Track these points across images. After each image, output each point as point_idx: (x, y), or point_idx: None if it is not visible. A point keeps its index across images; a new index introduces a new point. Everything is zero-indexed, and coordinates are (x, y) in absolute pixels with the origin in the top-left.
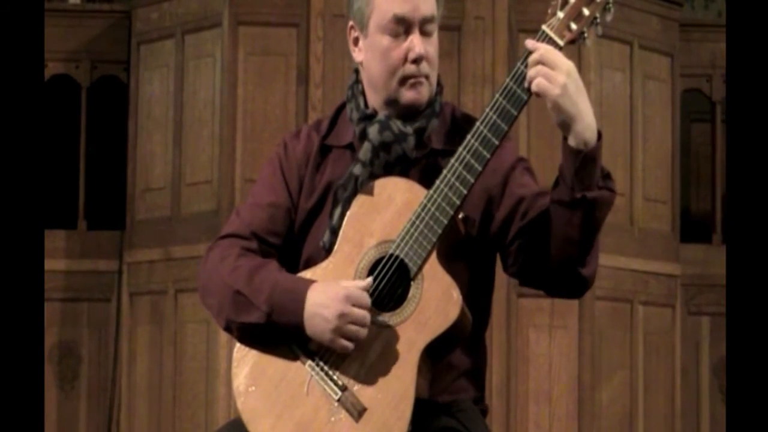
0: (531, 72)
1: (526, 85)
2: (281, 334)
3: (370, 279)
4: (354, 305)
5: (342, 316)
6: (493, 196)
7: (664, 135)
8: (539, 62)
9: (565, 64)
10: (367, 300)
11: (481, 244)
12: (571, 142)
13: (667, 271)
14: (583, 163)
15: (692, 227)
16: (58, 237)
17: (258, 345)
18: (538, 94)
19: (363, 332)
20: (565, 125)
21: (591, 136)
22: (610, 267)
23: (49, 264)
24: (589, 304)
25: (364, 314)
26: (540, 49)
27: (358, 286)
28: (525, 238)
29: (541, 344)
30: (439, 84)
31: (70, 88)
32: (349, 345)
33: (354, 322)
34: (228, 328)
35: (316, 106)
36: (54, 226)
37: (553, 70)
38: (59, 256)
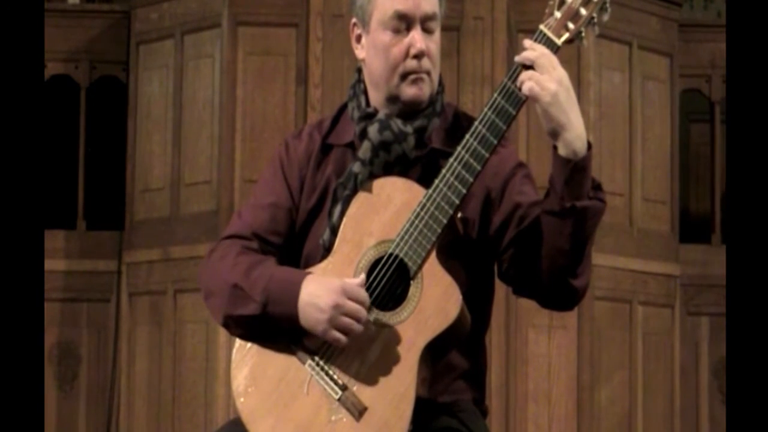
0: (523, 75)
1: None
2: (278, 330)
3: (363, 275)
4: (349, 298)
5: (336, 306)
6: (492, 200)
7: (664, 135)
8: (533, 67)
9: (558, 71)
10: (363, 295)
11: (480, 246)
12: (561, 151)
13: (667, 271)
14: (573, 172)
15: (691, 227)
16: (57, 237)
17: (256, 341)
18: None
19: (356, 326)
20: (555, 133)
21: (581, 146)
22: (609, 267)
23: (49, 264)
24: (588, 304)
25: (359, 308)
26: (536, 51)
27: (354, 282)
28: (518, 247)
29: (540, 344)
30: (440, 84)
31: (70, 89)
32: (342, 338)
33: (348, 314)
34: (226, 324)
35: (316, 106)
36: (53, 226)
37: (545, 76)
38: (59, 257)
